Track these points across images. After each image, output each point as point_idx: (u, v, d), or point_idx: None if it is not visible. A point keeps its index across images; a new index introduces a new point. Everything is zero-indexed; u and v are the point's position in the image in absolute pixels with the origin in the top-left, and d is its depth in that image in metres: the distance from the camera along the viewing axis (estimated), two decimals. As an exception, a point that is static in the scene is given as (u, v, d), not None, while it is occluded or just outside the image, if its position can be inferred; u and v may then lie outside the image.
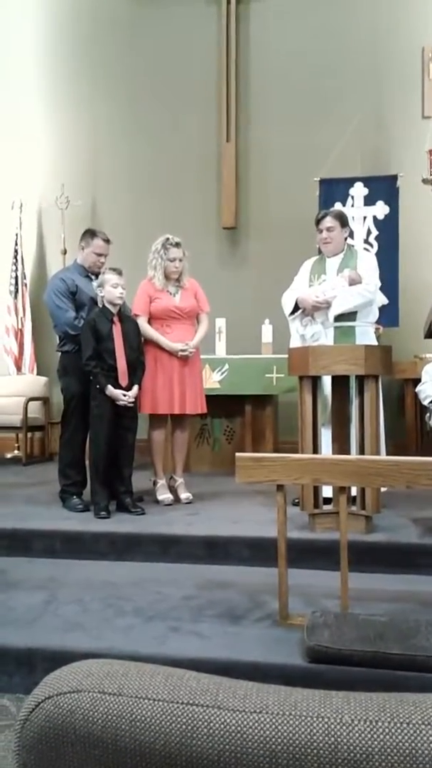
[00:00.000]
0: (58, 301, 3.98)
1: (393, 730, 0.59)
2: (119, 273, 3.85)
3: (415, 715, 0.60)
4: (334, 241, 3.90)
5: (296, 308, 3.91)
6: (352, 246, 4.10)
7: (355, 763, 0.58)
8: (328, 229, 3.89)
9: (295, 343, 3.96)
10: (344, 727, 0.60)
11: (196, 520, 3.61)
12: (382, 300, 5.03)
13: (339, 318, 3.74)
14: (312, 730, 0.60)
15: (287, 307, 3.97)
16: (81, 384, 3.91)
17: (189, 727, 0.63)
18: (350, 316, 3.75)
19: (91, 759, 0.66)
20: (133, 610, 2.62)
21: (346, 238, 3.99)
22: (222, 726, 0.62)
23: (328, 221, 3.90)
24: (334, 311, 3.71)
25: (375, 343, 3.87)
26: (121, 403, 3.75)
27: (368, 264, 3.88)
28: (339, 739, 0.60)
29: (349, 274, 3.74)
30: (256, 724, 0.62)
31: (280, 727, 0.61)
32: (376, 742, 0.59)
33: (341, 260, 3.90)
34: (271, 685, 0.67)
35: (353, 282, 3.72)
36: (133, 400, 3.81)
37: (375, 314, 3.96)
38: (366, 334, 3.79)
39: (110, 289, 3.80)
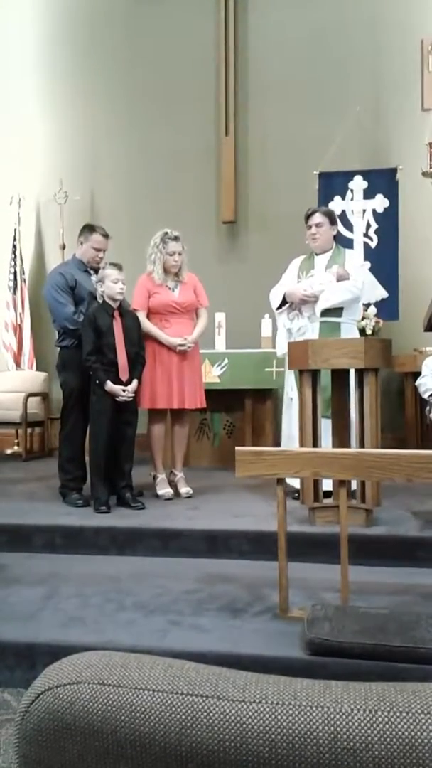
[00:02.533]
0: (57, 295, 3.97)
1: (392, 719, 0.59)
2: (119, 268, 3.84)
3: (415, 704, 0.60)
4: (321, 238, 3.97)
5: (284, 303, 3.95)
6: (342, 246, 4.16)
7: (355, 752, 0.58)
8: (317, 225, 3.96)
9: (281, 337, 4.05)
10: (343, 717, 0.60)
11: (196, 515, 3.61)
12: (382, 293, 5.04)
13: (325, 313, 3.78)
14: (311, 719, 0.60)
15: (275, 302, 4.01)
16: (80, 379, 3.90)
17: (189, 718, 0.63)
18: (336, 311, 3.80)
19: (91, 750, 0.66)
20: (134, 605, 2.62)
21: (335, 237, 4.05)
22: (222, 716, 0.62)
23: (317, 217, 3.98)
24: (320, 305, 3.77)
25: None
26: (120, 398, 3.75)
27: (356, 262, 3.98)
28: (338, 729, 0.60)
29: (337, 270, 3.81)
30: (256, 714, 0.62)
31: (279, 717, 0.61)
32: (375, 731, 0.59)
33: (329, 257, 3.97)
34: (271, 676, 0.67)
35: (341, 278, 3.79)
36: (132, 395, 3.81)
37: (360, 311, 4.00)
38: (351, 330, 3.80)
39: (110, 285, 3.79)
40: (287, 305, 3.95)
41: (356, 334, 3.83)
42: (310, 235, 4.00)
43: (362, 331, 3.35)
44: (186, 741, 0.62)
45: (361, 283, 3.85)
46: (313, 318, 3.81)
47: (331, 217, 4.02)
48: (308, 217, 4.02)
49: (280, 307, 3.99)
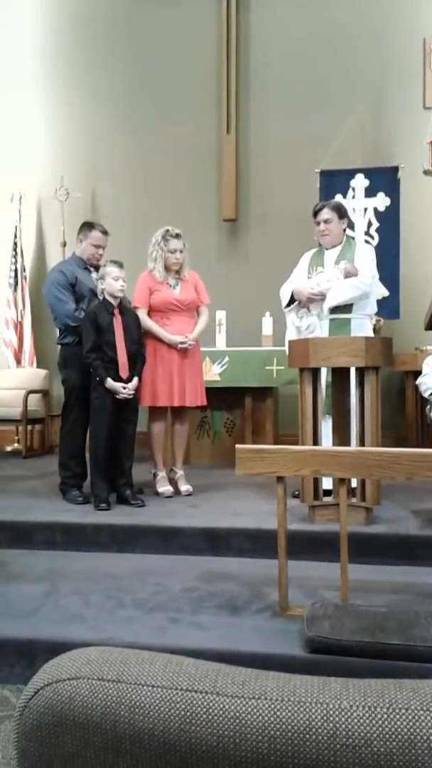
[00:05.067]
0: (57, 293, 3.97)
1: (391, 716, 0.59)
2: (120, 266, 3.84)
3: (414, 701, 0.60)
4: (331, 233, 3.89)
5: (292, 300, 3.91)
6: (352, 238, 4.09)
7: (354, 749, 0.58)
8: (326, 221, 3.87)
9: (290, 334, 3.97)
10: (343, 713, 0.60)
11: (196, 512, 3.61)
12: (383, 292, 5.03)
13: (334, 310, 3.73)
14: (311, 716, 0.60)
15: (284, 299, 3.97)
16: (81, 376, 3.90)
17: (188, 713, 0.63)
18: (346, 308, 3.74)
19: (91, 745, 0.66)
20: (134, 602, 2.63)
21: (344, 230, 3.97)
22: (221, 712, 0.62)
23: (326, 213, 3.88)
24: (327, 303, 3.71)
25: (371, 335, 3.86)
26: (120, 396, 3.75)
27: (365, 256, 3.86)
28: (338, 725, 0.60)
29: (345, 267, 3.72)
30: (255, 710, 0.62)
31: (278, 713, 0.61)
32: (374, 728, 0.59)
33: (339, 252, 3.89)
34: (270, 672, 0.67)
35: (348, 274, 3.70)
36: (132, 392, 3.80)
37: (372, 306, 3.94)
38: (362, 326, 3.78)
39: (111, 282, 3.79)
40: (296, 303, 3.90)
41: (369, 330, 3.82)
42: (319, 231, 3.91)
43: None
44: (185, 736, 0.62)
45: (370, 279, 3.75)
46: (322, 316, 3.77)
47: (340, 212, 3.91)
48: (316, 213, 3.91)
49: (288, 304, 3.95)
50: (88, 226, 4.14)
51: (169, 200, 6.08)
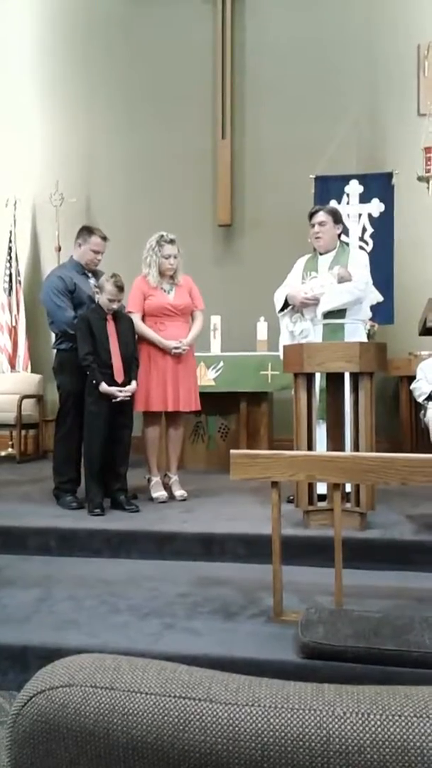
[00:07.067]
0: (57, 299, 3.93)
1: (385, 723, 0.59)
2: (120, 288, 3.78)
3: (407, 708, 0.60)
4: (325, 236, 3.90)
5: (286, 304, 3.92)
6: (346, 244, 4.10)
7: (347, 756, 0.58)
8: (320, 224, 3.89)
9: (284, 339, 3.98)
10: (336, 720, 0.60)
11: (190, 518, 3.60)
12: (378, 298, 5.04)
13: (328, 315, 3.74)
14: (304, 723, 0.60)
15: (278, 304, 3.98)
16: (77, 382, 3.89)
17: (181, 721, 0.63)
18: (339, 313, 3.75)
19: (84, 753, 0.66)
20: (128, 607, 2.62)
21: (339, 235, 3.99)
22: (214, 719, 0.62)
23: (321, 216, 3.90)
24: (321, 308, 3.72)
25: (365, 340, 3.87)
26: (118, 398, 3.73)
27: (359, 262, 3.88)
28: (331, 732, 0.59)
29: (339, 271, 3.73)
30: (249, 717, 0.62)
31: (272, 720, 0.61)
32: (368, 735, 0.59)
33: (333, 257, 3.90)
34: (263, 679, 0.67)
35: (342, 279, 3.71)
36: (129, 394, 3.80)
37: (366, 312, 3.96)
38: (356, 331, 3.79)
39: (105, 301, 3.78)
40: (290, 307, 3.91)
41: (362, 335, 3.83)
42: (313, 233, 3.92)
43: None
44: (178, 744, 0.62)
45: (364, 284, 3.76)
46: (316, 320, 3.78)
47: (335, 216, 3.92)
48: (312, 215, 3.93)
49: (282, 309, 3.96)
50: (87, 230, 4.11)
51: (164, 205, 6.09)
